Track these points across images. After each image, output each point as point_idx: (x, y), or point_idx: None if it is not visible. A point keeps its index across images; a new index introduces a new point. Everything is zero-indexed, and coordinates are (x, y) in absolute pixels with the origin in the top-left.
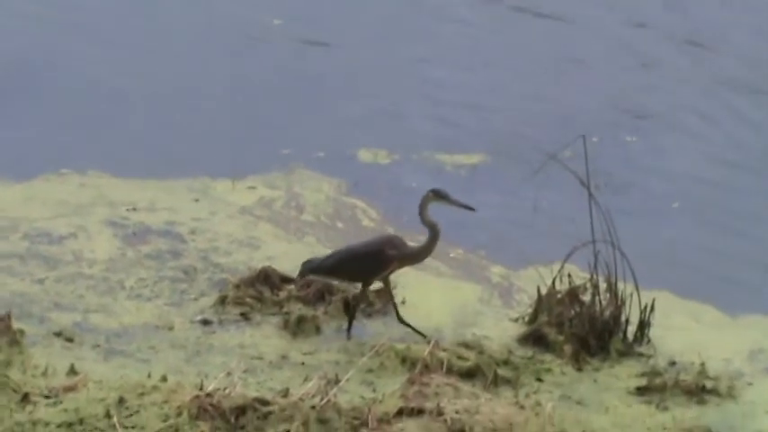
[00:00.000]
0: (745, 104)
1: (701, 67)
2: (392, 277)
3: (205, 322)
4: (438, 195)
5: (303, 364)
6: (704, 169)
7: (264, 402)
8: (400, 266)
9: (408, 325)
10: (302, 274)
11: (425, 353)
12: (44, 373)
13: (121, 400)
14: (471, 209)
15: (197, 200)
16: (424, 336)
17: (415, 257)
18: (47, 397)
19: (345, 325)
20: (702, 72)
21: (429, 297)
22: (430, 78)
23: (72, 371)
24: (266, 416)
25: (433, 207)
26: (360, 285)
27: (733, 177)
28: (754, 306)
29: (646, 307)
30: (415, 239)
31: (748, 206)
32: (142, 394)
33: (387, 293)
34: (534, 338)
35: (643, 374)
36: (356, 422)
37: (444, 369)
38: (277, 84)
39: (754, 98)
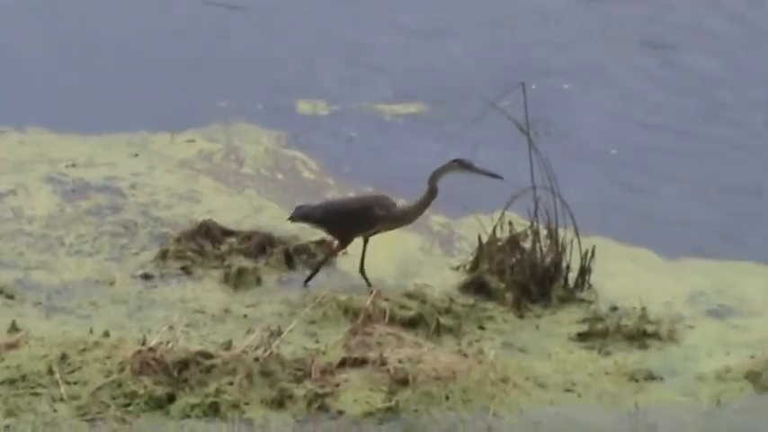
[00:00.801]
0: (653, 59)
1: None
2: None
3: (146, 277)
4: (462, 165)
5: (245, 316)
6: (640, 115)
7: (207, 356)
8: (386, 228)
9: (366, 279)
10: (293, 218)
11: (368, 303)
12: None
13: (63, 357)
14: (498, 177)
15: (136, 154)
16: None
17: (401, 220)
18: None
19: (287, 276)
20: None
21: (370, 248)
22: (362, 34)
23: (13, 328)
24: (209, 369)
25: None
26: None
27: (664, 122)
28: (692, 250)
29: (586, 253)
30: (358, 191)
31: (683, 151)
32: (84, 350)
33: (362, 247)
34: (476, 286)
35: (585, 320)
36: (299, 373)
37: (387, 319)
38: (210, 41)
39: (660, 53)
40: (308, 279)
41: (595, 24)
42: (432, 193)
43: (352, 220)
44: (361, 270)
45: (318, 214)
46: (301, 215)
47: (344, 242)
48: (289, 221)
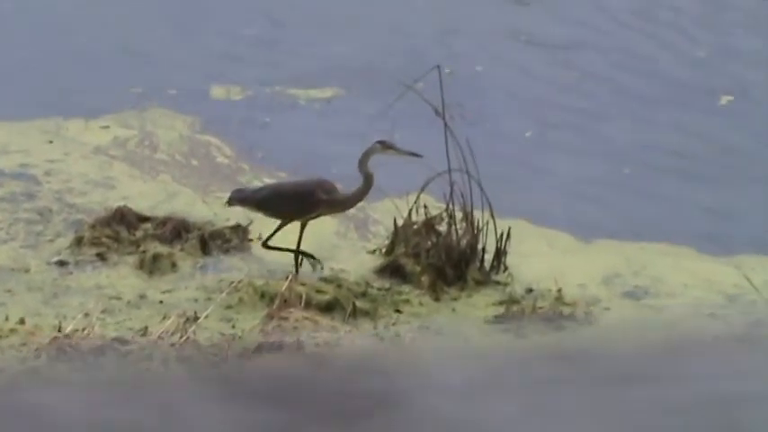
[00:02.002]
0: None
1: None
2: (249, 214)
3: (61, 263)
4: (385, 146)
5: (161, 302)
6: (555, 97)
7: (123, 342)
8: (328, 212)
9: (303, 260)
10: (230, 202)
11: (283, 288)
12: None
13: None
14: (419, 156)
15: (50, 141)
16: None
17: (343, 204)
18: None
19: (202, 262)
20: None
21: (285, 233)
22: (276, 20)
23: None
24: (126, 355)
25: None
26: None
27: (582, 102)
28: (607, 231)
29: (502, 235)
30: (274, 176)
31: (596, 131)
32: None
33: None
34: (391, 270)
35: (500, 302)
36: (216, 359)
37: (303, 303)
38: (119, 24)
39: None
40: (303, 263)
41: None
42: (367, 178)
43: (293, 203)
44: (297, 255)
45: (258, 198)
46: (239, 199)
47: (283, 225)
48: (226, 205)
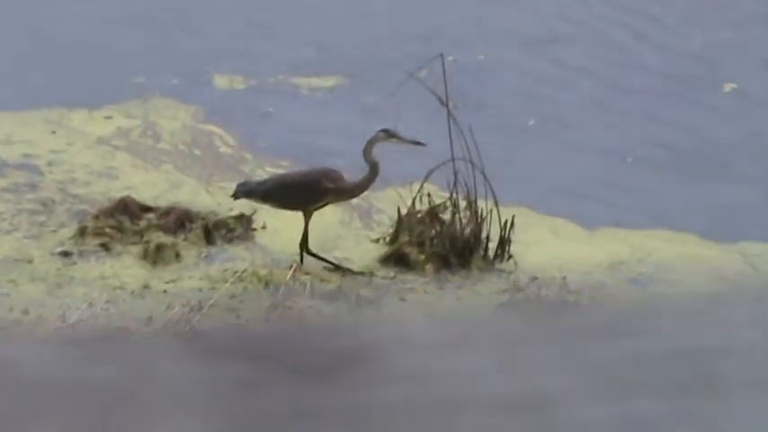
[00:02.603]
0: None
1: None
2: (252, 204)
3: (65, 254)
4: (389, 134)
5: (165, 292)
6: (557, 87)
7: (128, 332)
8: (335, 200)
9: (310, 254)
10: (236, 195)
11: (288, 277)
12: None
13: None
14: (422, 144)
15: (53, 131)
16: (334, 265)
17: (350, 192)
18: None
19: (206, 252)
20: None
21: (289, 222)
22: (275, 6)
23: None
24: (130, 345)
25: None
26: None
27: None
28: (610, 219)
29: (505, 223)
30: (277, 165)
31: (597, 120)
32: (4, 328)
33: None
34: (396, 258)
35: (505, 290)
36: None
37: (307, 292)
38: (122, 14)
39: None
40: (325, 261)
41: None
42: (373, 166)
43: (300, 193)
44: (304, 245)
45: (264, 190)
46: (245, 192)
47: (307, 215)
48: (231, 198)
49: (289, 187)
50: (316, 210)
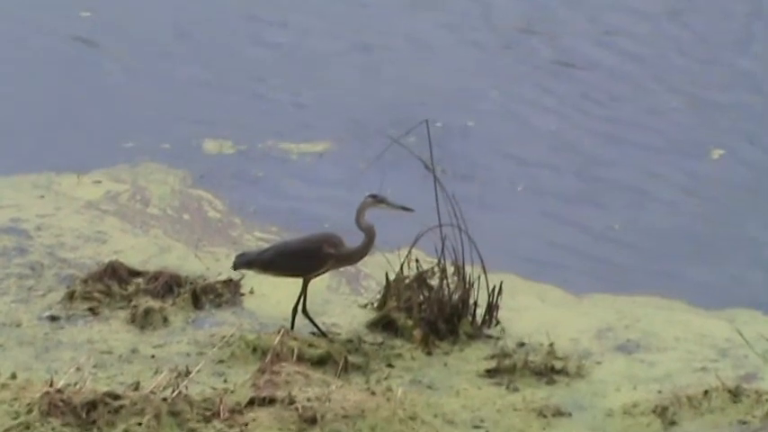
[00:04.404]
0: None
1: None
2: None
3: (53, 318)
4: (377, 200)
5: (153, 356)
6: (545, 152)
7: (115, 396)
8: (336, 266)
9: (311, 320)
10: (236, 266)
11: (275, 342)
12: None
13: None
14: (410, 209)
15: (42, 196)
16: (323, 334)
17: (351, 258)
18: None
19: (194, 316)
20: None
21: (277, 287)
22: (265, 71)
23: None
24: (117, 410)
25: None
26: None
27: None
28: (598, 286)
29: (493, 289)
30: (266, 230)
31: (585, 192)
32: None
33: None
34: (383, 324)
35: (492, 356)
36: (208, 413)
37: (295, 357)
38: (111, 81)
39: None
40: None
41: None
42: (368, 231)
43: (302, 260)
44: (304, 311)
45: (265, 259)
46: (245, 262)
47: (305, 282)
48: (231, 269)
49: (290, 255)
50: (317, 276)
